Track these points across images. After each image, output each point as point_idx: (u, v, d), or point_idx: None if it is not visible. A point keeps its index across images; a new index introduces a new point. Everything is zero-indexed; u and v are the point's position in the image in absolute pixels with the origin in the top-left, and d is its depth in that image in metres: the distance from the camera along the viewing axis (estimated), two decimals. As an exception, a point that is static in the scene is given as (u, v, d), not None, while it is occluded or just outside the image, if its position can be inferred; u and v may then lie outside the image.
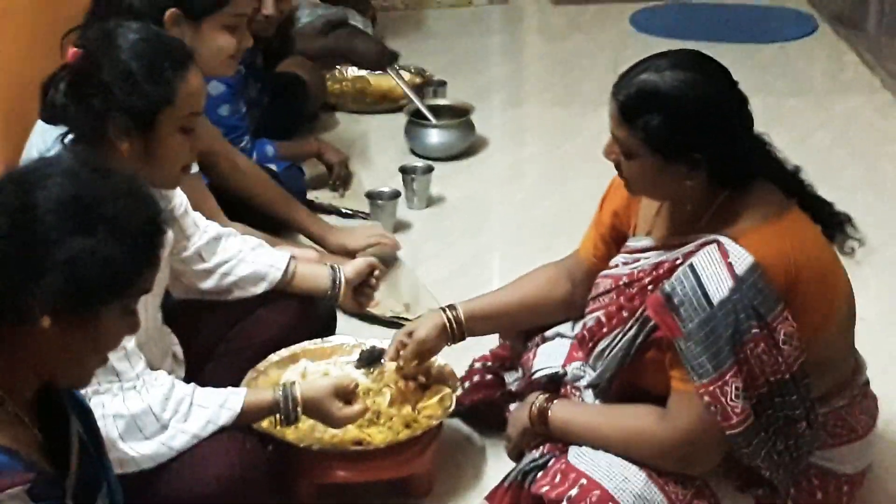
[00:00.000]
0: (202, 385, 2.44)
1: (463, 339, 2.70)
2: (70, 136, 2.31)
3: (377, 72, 4.77)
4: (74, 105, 2.28)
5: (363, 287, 2.86)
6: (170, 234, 2.53)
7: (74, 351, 1.66)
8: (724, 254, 2.22)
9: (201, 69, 2.58)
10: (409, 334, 2.67)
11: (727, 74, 2.31)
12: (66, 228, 1.58)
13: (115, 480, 1.87)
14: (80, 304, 1.60)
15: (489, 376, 2.81)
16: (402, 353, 2.66)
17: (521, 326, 2.78)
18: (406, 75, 4.67)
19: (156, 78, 2.27)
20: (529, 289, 2.75)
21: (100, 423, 2.23)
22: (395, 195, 3.82)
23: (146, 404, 2.26)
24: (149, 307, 2.44)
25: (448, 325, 2.67)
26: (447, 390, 2.68)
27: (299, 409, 2.42)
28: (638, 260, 2.43)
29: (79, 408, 1.82)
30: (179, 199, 2.63)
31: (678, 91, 2.24)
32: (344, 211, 3.85)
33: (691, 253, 2.27)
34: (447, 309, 2.69)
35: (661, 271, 2.34)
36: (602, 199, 2.64)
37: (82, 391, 2.23)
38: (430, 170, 3.95)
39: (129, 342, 2.27)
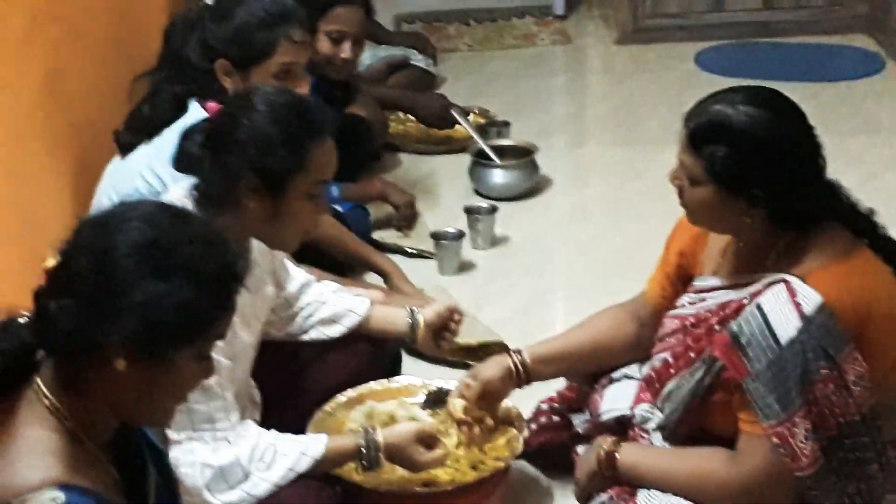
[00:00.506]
0: (272, 425, 2.46)
1: (529, 383, 2.69)
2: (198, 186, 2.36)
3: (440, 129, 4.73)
4: (209, 158, 2.33)
5: (442, 330, 2.85)
6: (270, 289, 2.59)
7: (150, 393, 1.66)
8: (792, 293, 2.22)
9: None
10: (475, 377, 2.66)
11: (802, 117, 2.31)
12: (142, 272, 1.59)
13: None
14: (154, 347, 1.61)
15: (556, 418, 2.80)
16: (466, 395, 2.66)
17: (587, 370, 2.77)
18: (470, 116, 4.69)
19: (292, 143, 2.30)
20: (596, 331, 2.74)
21: (187, 469, 2.27)
22: (460, 235, 3.83)
23: (235, 457, 2.29)
24: (249, 354, 2.49)
25: (514, 368, 2.66)
26: (514, 432, 2.68)
27: (381, 454, 2.43)
28: (704, 300, 2.43)
29: (154, 452, 1.83)
30: (281, 253, 2.66)
31: (747, 126, 2.26)
32: (409, 250, 3.86)
33: (758, 293, 2.27)
34: (513, 353, 2.68)
35: (727, 311, 2.34)
36: (668, 239, 2.64)
37: (172, 435, 2.28)
38: (494, 210, 3.97)
39: (229, 393, 2.32)
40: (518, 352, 2.69)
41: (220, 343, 2.26)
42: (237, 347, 2.39)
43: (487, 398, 2.66)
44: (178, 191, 2.39)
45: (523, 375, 2.67)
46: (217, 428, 2.29)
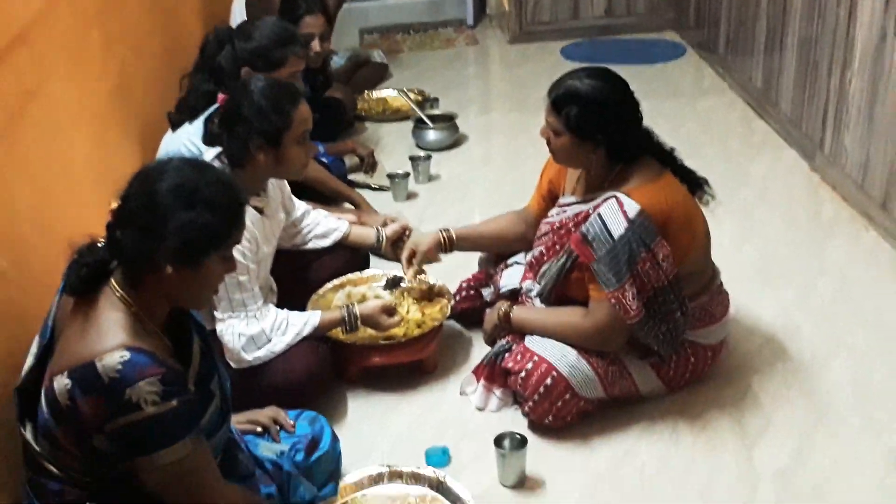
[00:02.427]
0: (286, 303, 2.48)
1: (451, 251, 2.68)
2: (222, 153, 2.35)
3: (380, 89, 4.76)
4: (226, 132, 2.31)
5: (398, 242, 2.88)
6: (281, 215, 2.59)
7: (192, 286, 1.66)
8: (620, 204, 2.24)
9: None
10: (417, 245, 2.65)
11: (626, 85, 2.32)
12: (175, 206, 1.59)
13: (224, 373, 1.86)
14: (190, 256, 1.61)
15: (472, 292, 2.82)
16: (413, 259, 2.64)
17: (490, 249, 2.77)
18: (411, 94, 4.65)
19: (279, 110, 2.29)
20: (497, 225, 2.74)
21: (228, 338, 2.28)
22: (407, 175, 3.81)
23: (261, 329, 2.31)
24: (268, 261, 2.48)
25: (442, 240, 2.65)
26: (445, 301, 2.70)
27: (358, 321, 2.46)
28: (566, 211, 2.45)
29: (198, 327, 1.82)
30: (287, 188, 2.66)
31: (590, 93, 2.26)
32: (373, 186, 3.81)
33: (598, 205, 2.29)
34: (442, 230, 2.67)
35: (579, 218, 2.36)
36: (542, 172, 2.65)
37: (218, 314, 2.27)
38: (429, 157, 3.93)
39: (256, 287, 2.32)
40: (446, 229, 2.67)
41: (248, 253, 2.28)
42: (260, 256, 2.39)
43: (424, 259, 2.65)
44: (209, 156, 2.37)
45: (447, 245, 2.66)
46: (248, 310, 2.30)
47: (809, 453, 2.28)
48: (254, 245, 2.32)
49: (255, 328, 2.30)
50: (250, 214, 2.33)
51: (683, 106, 4.55)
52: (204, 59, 2.89)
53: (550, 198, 2.60)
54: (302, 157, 2.37)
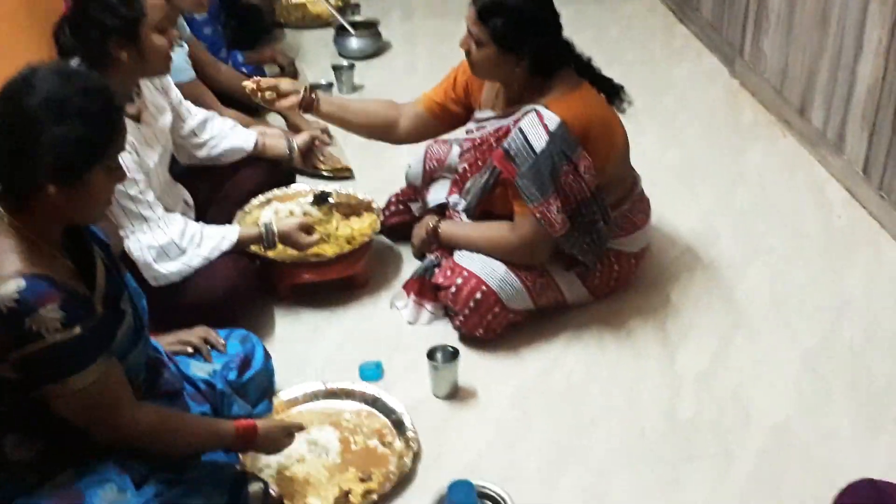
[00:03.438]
0: (208, 222, 2.42)
1: (310, 112, 2.53)
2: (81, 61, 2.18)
3: None
4: (80, 40, 2.17)
5: (311, 153, 2.81)
6: (168, 117, 2.47)
7: (81, 202, 1.57)
8: (541, 117, 2.22)
9: (184, 7, 2.47)
10: (277, 86, 2.50)
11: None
12: (45, 122, 1.49)
13: (136, 291, 1.78)
14: (71, 171, 1.53)
15: (401, 206, 2.80)
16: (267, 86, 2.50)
17: (354, 128, 2.63)
18: (332, 1, 4.50)
19: (127, 2, 2.16)
20: (367, 105, 2.67)
21: (137, 253, 2.21)
22: (331, 86, 3.72)
23: (169, 237, 2.24)
24: (159, 169, 2.38)
25: (305, 96, 2.50)
26: (374, 217, 2.67)
27: (276, 238, 2.42)
28: (485, 127, 2.41)
29: (99, 243, 1.73)
30: (175, 92, 2.54)
31: (517, 4, 2.21)
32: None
33: (519, 119, 2.26)
34: (310, 89, 2.52)
35: (500, 133, 2.33)
36: (455, 73, 2.54)
37: (123, 233, 2.20)
38: (353, 67, 3.83)
39: (150, 195, 2.23)
40: (315, 92, 2.53)
41: (129, 164, 2.16)
42: (146, 165, 2.28)
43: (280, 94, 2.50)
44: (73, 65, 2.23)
45: (308, 104, 2.51)
46: (150, 221, 2.22)
47: (729, 356, 2.36)
48: (134, 155, 2.21)
49: (162, 238, 2.23)
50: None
51: (606, 11, 4.52)
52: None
53: (462, 105, 2.52)
54: (165, 47, 2.25)
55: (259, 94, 2.50)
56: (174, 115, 2.52)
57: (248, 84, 2.51)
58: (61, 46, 2.21)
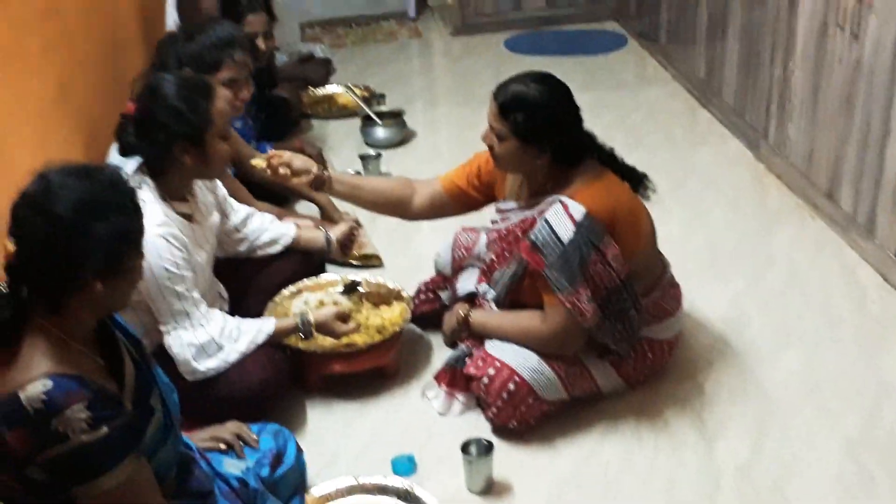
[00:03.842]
0: (240, 313, 2.43)
1: (321, 189, 2.52)
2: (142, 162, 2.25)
3: (325, 86, 4.68)
4: (144, 142, 2.22)
5: (349, 244, 2.83)
6: (216, 216, 2.51)
7: (120, 290, 1.59)
8: (566, 208, 2.22)
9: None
10: (290, 161, 2.47)
11: (569, 89, 2.29)
12: (86, 221, 1.50)
13: (167, 385, 1.76)
14: (118, 265, 1.54)
15: (431, 295, 2.80)
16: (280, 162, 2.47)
17: (368, 205, 2.60)
18: (357, 91, 4.60)
19: (196, 109, 2.21)
20: (380, 182, 2.67)
21: (177, 350, 2.22)
22: (358, 175, 3.71)
23: (209, 336, 2.24)
24: (206, 267, 2.40)
25: (318, 174, 2.49)
26: (405, 306, 2.67)
27: (312, 328, 2.42)
28: (508, 217, 2.41)
29: (130, 338, 1.72)
30: (221, 190, 2.58)
31: (538, 98, 2.23)
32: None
33: (543, 210, 2.26)
34: (324, 168, 2.51)
35: (525, 224, 2.33)
36: (477, 162, 2.54)
37: (164, 328, 2.21)
38: (379, 156, 3.89)
39: (195, 293, 2.25)
40: (327, 168, 2.55)
41: (180, 262, 2.20)
42: (194, 263, 2.30)
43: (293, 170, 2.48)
44: (130, 167, 2.25)
45: (320, 183, 2.49)
46: (192, 318, 2.23)
47: (768, 446, 2.31)
48: (185, 252, 2.24)
49: (203, 336, 2.24)
50: (178, 221, 2.27)
51: (627, 97, 4.56)
52: (159, 60, 2.81)
53: (481, 190, 2.53)
54: (227, 152, 2.30)
55: (270, 170, 2.49)
56: (218, 211, 2.55)
57: (259, 162, 2.50)
58: (123, 145, 2.25)
